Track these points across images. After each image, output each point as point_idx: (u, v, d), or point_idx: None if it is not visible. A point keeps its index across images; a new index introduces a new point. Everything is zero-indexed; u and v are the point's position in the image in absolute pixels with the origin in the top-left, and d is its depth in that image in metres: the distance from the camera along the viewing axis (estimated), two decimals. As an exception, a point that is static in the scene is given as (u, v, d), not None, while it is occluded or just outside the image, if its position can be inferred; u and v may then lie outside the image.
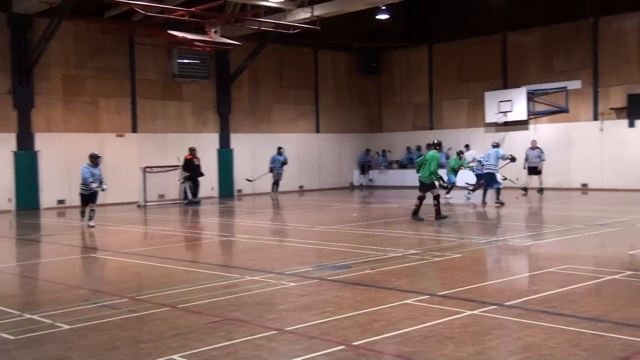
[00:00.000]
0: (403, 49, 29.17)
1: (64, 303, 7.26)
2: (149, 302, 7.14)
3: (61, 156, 21.27)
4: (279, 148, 24.68)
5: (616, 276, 7.95)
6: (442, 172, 19.65)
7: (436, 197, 14.26)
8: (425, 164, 14.16)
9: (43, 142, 21.10)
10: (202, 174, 22.19)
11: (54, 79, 21.49)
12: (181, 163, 22.14)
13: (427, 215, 14.52)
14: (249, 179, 24.65)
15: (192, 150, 22.18)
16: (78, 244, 12.70)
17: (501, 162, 18.30)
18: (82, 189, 15.16)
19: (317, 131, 28.64)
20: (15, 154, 20.67)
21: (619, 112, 22.87)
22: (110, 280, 9.09)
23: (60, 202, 21.37)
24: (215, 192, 24.66)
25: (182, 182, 21.97)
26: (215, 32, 21.03)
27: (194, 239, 13.76)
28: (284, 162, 24.41)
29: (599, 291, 7.30)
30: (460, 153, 21.37)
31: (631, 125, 22.59)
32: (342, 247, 10.94)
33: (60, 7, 18.86)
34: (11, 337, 5.94)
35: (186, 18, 20.16)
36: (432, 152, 14.28)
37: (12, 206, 20.46)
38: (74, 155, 21.06)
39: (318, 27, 22.15)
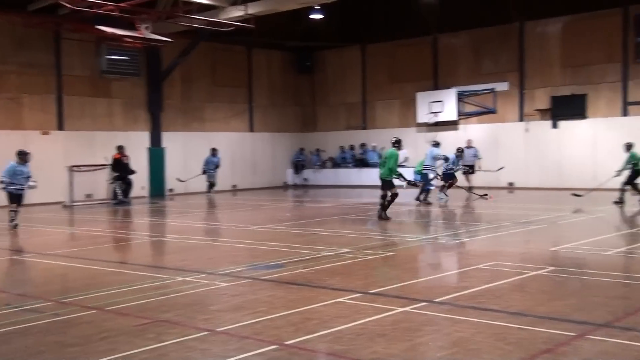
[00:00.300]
0: (337, 48, 29.37)
1: (-17, 308, 6.96)
2: (75, 305, 6.93)
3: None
4: (213, 149, 24.39)
5: (540, 272, 8.25)
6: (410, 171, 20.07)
7: (393, 196, 14.30)
8: (385, 162, 14.19)
9: (-38, 140, 20.15)
10: (133, 172, 21.70)
11: (-26, 75, 20.57)
12: (109, 162, 21.58)
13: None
14: (180, 179, 24.27)
15: (120, 149, 21.65)
16: (0, 246, 12.18)
17: (437, 162, 18.64)
18: (9, 187, 14.48)
19: (251, 130, 28.48)
20: None
21: (543, 114, 23.74)
22: (34, 283, 8.76)
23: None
24: (145, 192, 24.15)
25: (112, 182, 21.40)
26: (146, 28, 20.58)
27: (123, 240, 13.43)
28: (217, 166, 24.23)
29: (523, 286, 7.54)
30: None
31: (554, 126, 23.48)
32: (276, 246, 10.91)
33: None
34: None
35: (116, 13, 19.64)
36: (391, 150, 14.33)
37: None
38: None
39: (252, 26, 22.01)
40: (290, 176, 29.60)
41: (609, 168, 18.11)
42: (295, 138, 29.97)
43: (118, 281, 8.28)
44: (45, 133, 22.02)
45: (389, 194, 14.21)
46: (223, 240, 12.47)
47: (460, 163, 19.61)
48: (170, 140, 25.33)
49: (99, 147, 22.63)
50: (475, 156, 22.69)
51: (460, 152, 19.78)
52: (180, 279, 8.29)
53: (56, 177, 20.94)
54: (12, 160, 14.71)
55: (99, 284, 8.22)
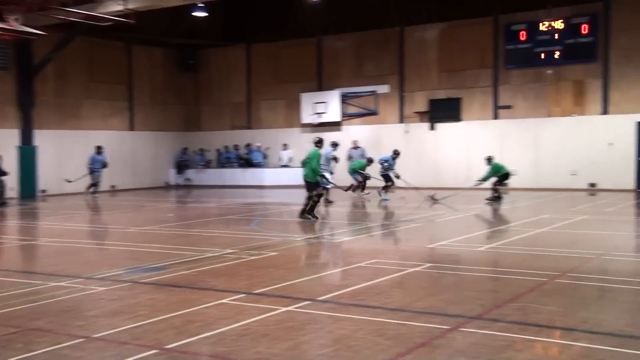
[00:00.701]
0: (221, 47, 29.06)
1: None
2: None
3: None
4: (98, 147, 23.29)
5: (418, 268, 8.58)
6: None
7: (318, 196, 14.16)
8: (308, 162, 14.01)
9: None
10: (5, 173, 20.30)
11: None
12: None
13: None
14: (69, 179, 22.99)
15: None
16: None
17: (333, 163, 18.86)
18: None
19: (132, 129, 27.56)
20: None
21: (421, 116, 24.72)
22: None
23: None
24: (15, 193, 22.71)
25: None
26: (16, 19, 19.34)
27: (-10, 244, 12.56)
28: (104, 165, 23.13)
29: (402, 283, 7.81)
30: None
31: (432, 128, 24.53)
32: (157, 248, 10.63)
33: None
34: None
35: (-17, 3, 18.34)
36: (314, 150, 14.14)
37: None
38: None
39: (132, 21, 21.27)
40: (172, 176, 28.94)
41: (482, 169, 19.15)
42: (178, 137, 29.34)
43: (-17, 288, 7.73)
44: None
45: (314, 194, 14.13)
46: (101, 243, 11.98)
47: (394, 166, 19.82)
48: (43, 139, 23.98)
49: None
50: (362, 156, 23.23)
51: (396, 154, 20.06)
52: (54, 284, 7.87)
53: None
54: None
55: (-38, 292, 7.64)
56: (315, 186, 14.11)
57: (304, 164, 14.11)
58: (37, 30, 20.10)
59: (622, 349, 5.08)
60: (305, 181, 14.12)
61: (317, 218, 14.01)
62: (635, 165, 21.25)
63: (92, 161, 23.10)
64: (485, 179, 18.36)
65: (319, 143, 14.39)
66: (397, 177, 19.68)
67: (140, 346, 5.36)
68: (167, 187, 28.42)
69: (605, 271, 8.47)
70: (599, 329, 5.63)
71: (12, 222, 16.52)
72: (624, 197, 19.15)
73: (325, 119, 25.93)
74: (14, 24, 19.21)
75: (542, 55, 22.38)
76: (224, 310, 6.45)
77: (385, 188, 19.57)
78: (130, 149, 27.30)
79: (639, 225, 13.98)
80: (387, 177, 19.65)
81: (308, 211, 13.98)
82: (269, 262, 9.15)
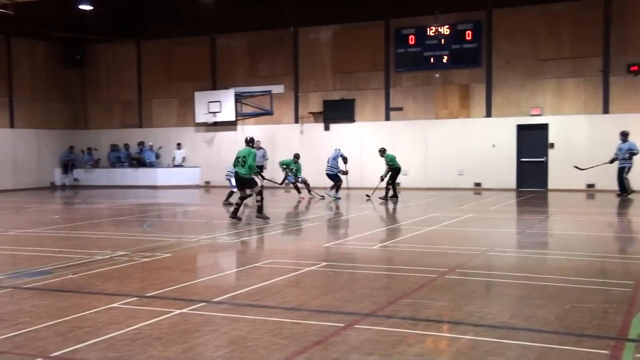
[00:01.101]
0: (110, 43, 28.04)
1: None
2: None
3: None
4: None
5: (313, 267, 8.65)
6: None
7: (259, 194, 13.72)
8: (239, 161, 13.53)
9: None
10: None
11: None
12: None
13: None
14: None
15: None
16: None
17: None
18: None
19: (12, 126, 26.03)
20: None
21: (316, 116, 25.00)
22: None
23: None
24: None
25: None
26: None
27: None
28: None
29: (298, 282, 7.85)
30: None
31: (326, 128, 24.87)
32: (42, 251, 10.09)
33: None
34: None
35: None
36: (247, 149, 13.69)
37: None
38: None
39: (10, 12, 20.08)
40: (58, 176, 27.61)
41: (375, 169, 19.64)
42: (63, 135, 28.02)
43: None
44: None
45: (255, 193, 13.70)
46: (-22, 247, 11.20)
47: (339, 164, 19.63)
48: None
49: None
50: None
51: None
52: None
53: None
54: None
55: None
56: (253, 183, 13.88)
57: (237, 162, 13.70)
58: None
59: (505, 340, 5.35)
60: (240, 179, 13.73)
61: (268, 218, 13.76)
62: (515, 165, 22.52)
63: None
64: (386, 173, 18.70)
65: (250, 142, 14.13)
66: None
67: (22, 355, 5.07)
68: (53, 187, 27.08)
69: (490, 266, 8.91)
70: (484, 321, 5.90)
71: None
72: (506, 196, 20.25)
73: (219, 118, 25.66)
74: None
75: (431, 60, 23.25)
76: (114, 315, 6.21)
77: (335, 187, 19.29)
78: (11, 147, 25.79)
79: (520, 222, 14.82)
80: (335, 177, 19.35)
81: (259, 211, 13.70)
82: (162, 264, 8.92)
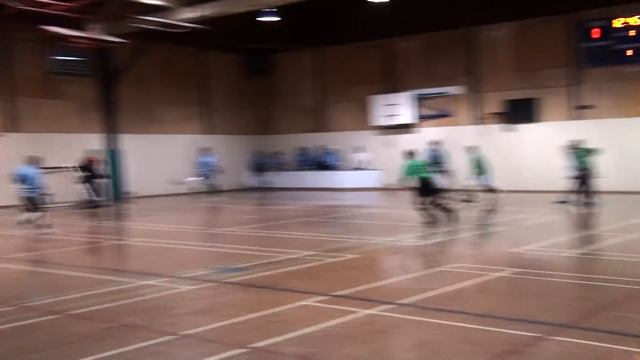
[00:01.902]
0: (292, 51, 29.38)
1: (-61, 314, 6.76)
2: (37, 310, 6.78)
3: None
4: (204, 149, 23.10)
5: (501, 273, 8.40)
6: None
7: (445, 197, 13.80)
8: (421, 168, 13.58)
9: None
10: (102, 176, 21.24)
11: None
12: (81, 166, 21.10)
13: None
14: (180, 181, 23.35)
15: (89, 152, 21.20)
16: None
17: None
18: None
19: (209, 132, 28.27)
20: None
21: (496, 117, 24.16)
22: (-9, 289, 8.52)
23: None
24: (106, 195, 23.68)
25: (82, 183, 20.91)
26: (96, 28, 20.20)
27: (84, 244, 13.18)
28: (215, 167, 22.80)
29: (485, 288, 7.68)
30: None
31: (508, 129, 23.92)
32: (239, 249, 10.87)
33: None
34: None
35: (65, 13, 19.23)
36: (416, 160, 13.82)
37: None
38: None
39: (206, 27, 21.84)
40: (249, 178, 29.48)
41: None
42: (252, 140, 29.86)
43: (80, 285, 8.14)
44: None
45: (442, 197, 13.78)
46: (185, 243, 12.33)
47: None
48: (127, 143, 24.91)
49: (56, 149, 22.12)
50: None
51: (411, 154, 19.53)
52: (143, 282, 8.20)
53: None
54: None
55: (61, 288, 8.07)
56: (439, 188, 13.83)
57: (422, 167, 13.68)
58: (116, 38, 20.94)
59: None
60: (428, 183, 13.59)
61: (455, 220, 13.57)
62: None
63: (204, 164, 22.63)
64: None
65: (410, 154, 14.07)
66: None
67: (227, 344, 5.51)
68: (245, 189, 28.95)
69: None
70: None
71: (104, 222, 17.27)
72: None
73: (397, 121, 25.77)
74: (94, 32, 20.07)
75: (627, 53, 21.41)
76: (306, 312, 6.53)
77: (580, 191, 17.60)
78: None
79: None
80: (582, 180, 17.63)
81: (444, 212, 13.60)
82: (350, 265, 9.19)
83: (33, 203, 13.91)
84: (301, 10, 26.55)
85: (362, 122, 27.55)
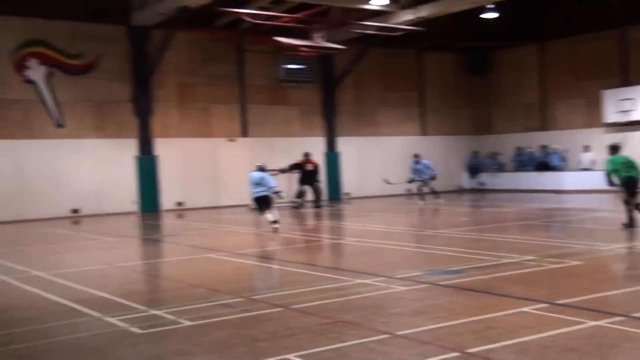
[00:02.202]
0: (512, 47, 28.25)
1: (184, 300, 7.59)
2: (263, 302, 7.31)
3: (178, 160, 22.31)
4: (416, 155, 22.71)
5: None
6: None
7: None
8: (629, 166, 12.66)
9: (161, 147, 22.18)
10: (316, 180, 22.08)
11: (170, 87, 22.54)
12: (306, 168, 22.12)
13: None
14: (388, 181, 23.93)
15: (305, 155, 22.15)
16: (196, 245, 13.21)
17: None
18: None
19: (423, 134, 28.30)
20: (137, 159, 21.86)
21: None
22: (226, 280, 9.36)
23: (179, 204, 22.39)
24: (324, 196, 24.89)
25: (302, 184, 21.96)
26: (320, 37, 21.26)
27: (304, 242, 13.98)
28: (431, 176, 21.98)
29: None
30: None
31: None
32: (453, 251, 10.72)
33: (174, 18, 19.77)
34: (139, 331, 6.29)
35: (292, 24, 20.53)
36: (623, 156, 12.94)
37: (135, 208, 21.61)
38: (190, 159, 22.10)
39: (422, 29, 21.88)
40: (465, 180, 28.96)
41: None
42: (468, 141, 29.29)
43: (301, 281, 8.62)
44: (231, 140, 23.58)
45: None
46: (398, 244, 12.48)
47: None
48: (344, 145, 25.95)
49: (279, 152, 23.73)
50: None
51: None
52: (359, 281, 8.44)
53: (242, 182, 22.29)
54: (253, 171, 15.24)
55: (284, 283, 8.64)
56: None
57: (626, 164, 12.61)
58: (338, 45, 21.85)
59: None
60: (632, 182, 12.51)
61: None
62: None
63: (417, 171, 22.20)
64: None
65: (614, 149, 12.96)
66: None
67: (442, 347, 5.45)
68: (460, 190, 28.52)
69: None
70: None
71: (322, 222, 18.15)
72: None
73: (632, 117, 23.54)
74: (318, 41, 21.15)
75: None
76: (525, 319, 6.24)
77: None
78: (423, 154, 27.93)
79: None
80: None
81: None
82: (572, 271, 8.61)
83: (267, 203, 14.91)
84: (523, 5, 25.49)
85: (590, 119, 25.65)
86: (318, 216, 19.58)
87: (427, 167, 21.99)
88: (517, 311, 6.52)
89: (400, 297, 7.49)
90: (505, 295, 7.28)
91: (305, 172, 22.09)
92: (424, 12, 21.30)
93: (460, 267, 9.09)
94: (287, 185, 21.44)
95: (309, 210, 20.93)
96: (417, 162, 22.28)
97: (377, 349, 5.47)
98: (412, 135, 27.82)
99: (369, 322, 6.36)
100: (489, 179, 28.30)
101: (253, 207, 15.43)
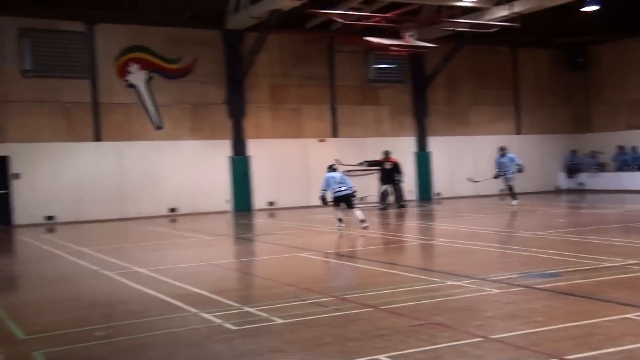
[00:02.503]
0: (614, 41, 26.92)
1: (276, 298, 7.73)
2: (354, 302, 7.33)
3: (270, 160, 22.76)
4: (502, 148, 21.51)
5: None
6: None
7: None
8: None
9: (254, 148, 22.70)
10: (397, 180, 21.81)
11: (262, 89, 23.03)
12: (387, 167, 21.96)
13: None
14: (473, 179, 23.39)
15: (385, 154, 21.84)
16: (287, 244, 13.41)
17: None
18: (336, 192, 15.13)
19: (518, 133, 27.48)
20: (231, 159, 22.48)
21: None
22: (316, 279, 9.45)
23: (271, 203, 22.83)
24: (414, 195, 24.70)
25: (385, 183, 21.85)
26: (411, 35, 21.07)
27: (394, 242, 13.91)
28: (520, 170, 20.86)
29: None
30: None
31: None
32: (549, 254, 10.34)
33: (267, 22, 20.18)
34: (233, 328, 6.45)
35: (382, 24, 20.46)
36: None
37: (229, 207, 22.23)
38: (282, 159, 22.49)
39: (517, 25, 21.24)
40: (562, 180, 27.89)
41: None
42: (566, 140, 28.18)
43: (391, 281, 8.58)
44: (322, 140, 23.79)
45: None
46: (492, 246, 12.18)
47: None
48: (435, 145, 25.60)
49: (369, 152, 23.68)
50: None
51: None
52: (450, 282, 8.30)
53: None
54: (328, 173, 15.32)
55: (374, 283, 8.62)
56: None
57: None
58: (428, 43, 21.59)
59: None
60: None
61: None
62: None
63: (499, 165, 21.20)
64: None
65: None
66: None
67: (538, 353, 5.27)
68: (558, 191, 27.50)
69: None
70: None
71: (411, 222, 17.98)
72: None
73: None
74: (409, 40, 20.99)
75: None
76: (629, 326, 5.93)
77: None
78: (517, 153, 27.03)
79: None
80: None
81: None
82: (682, 278, 8.11)
83: (350, 202, 14.98)
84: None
85: None
86: (405, 216, 19.40)
87: (512, 160, 20.80)
88: (620, 317, 6.21)
89: (494, 300, 7.31)
90: (606, 301, 6.95)
91: (384, 171, 21.75)
92: (518, 7, 20.69)
93: (557, 271, 8.76)
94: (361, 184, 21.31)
95: (393, 211, 20.77)
96: (502, 156, 21.14)
97: (471, 353, 5.36)
98: (505, 134, 27.06)
99: (461, 324, 6.23)
100: (588, 179, 27.12)
101: (329, 202, 15.38)
